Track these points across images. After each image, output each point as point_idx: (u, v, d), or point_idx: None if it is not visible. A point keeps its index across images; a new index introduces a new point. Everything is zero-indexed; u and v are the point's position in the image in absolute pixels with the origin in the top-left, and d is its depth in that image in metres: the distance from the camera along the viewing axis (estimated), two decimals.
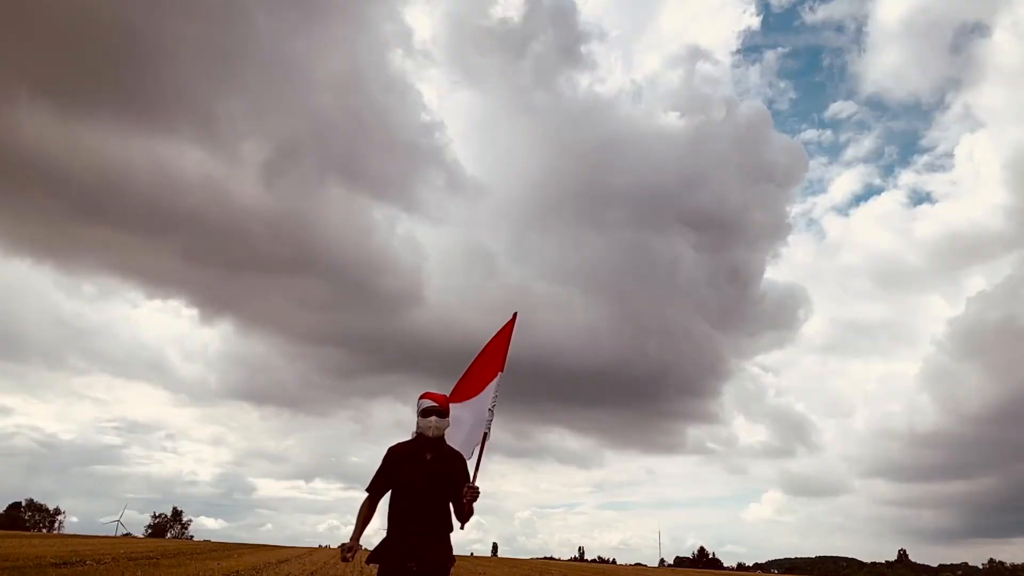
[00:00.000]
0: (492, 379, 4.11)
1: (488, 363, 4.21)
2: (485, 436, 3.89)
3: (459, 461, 3.67)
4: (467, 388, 4.27)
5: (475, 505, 3.55)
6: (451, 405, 3.79)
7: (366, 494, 3.61)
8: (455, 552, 3.52)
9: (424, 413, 3.55)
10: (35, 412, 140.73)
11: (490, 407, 4.00)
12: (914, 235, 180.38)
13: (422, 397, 3.62)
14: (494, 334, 4.35)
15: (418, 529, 3.38)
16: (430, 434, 3.52)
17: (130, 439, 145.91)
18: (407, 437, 3.67)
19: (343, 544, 3.47)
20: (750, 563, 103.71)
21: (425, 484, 3.44)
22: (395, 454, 3.59)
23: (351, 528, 3.55)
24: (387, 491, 3.56)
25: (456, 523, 3.57)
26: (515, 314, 4.26)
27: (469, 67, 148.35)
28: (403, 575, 3.31)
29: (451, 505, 3.53)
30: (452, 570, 3.43)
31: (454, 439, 3.82)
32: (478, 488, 3.55)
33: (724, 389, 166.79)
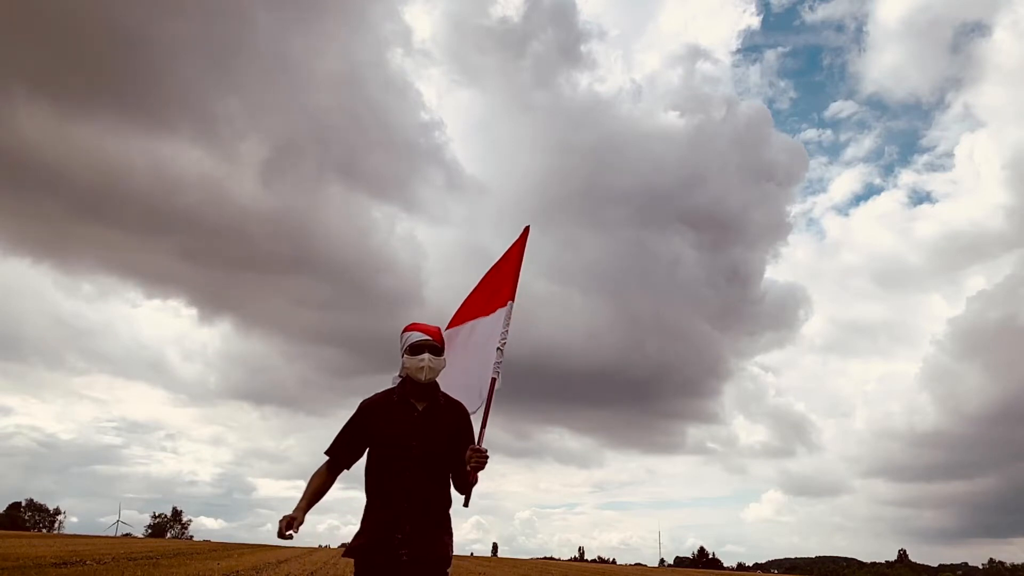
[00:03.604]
0: (500, 309, 3.16)
1: (495, 289, 3.29)
2: (493, 382, 2.95)
3: (462, 413, 2.79)
4: (467, 318, 3.36)
5: (473, 503, 2.74)
6: (446, 333, 3.01)
7: (325, 459, 2.74)
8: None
9: (413, 349, 2.67)
10: (35, 412, 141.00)
11: (498, 346, 3.03)
12: (914, 235, 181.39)
13: (407, 329, 2.76)
14: (502, 254, 3.39)
15: (409, 505, 2.55)
16: (422, 378, 2.65)
17: (130, 439, 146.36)
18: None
19: (283, 517, 2.52)
20: (750, 563, 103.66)
21: (418, 444, 2.59)
22: (372, 407, 2.71)
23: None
24: (355, 458, 2.72)
25: (457, 497, 2.75)
26: (527, 228, 3.32)
27: (469, 66, 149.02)
28: (391, 565, 2.50)
29: (450, 474, 2.71)
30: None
31: (450, 385, 2.92)
32: (486, 451, 2.63)
33: (724, 389, 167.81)
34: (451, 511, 2.72)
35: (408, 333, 2.74)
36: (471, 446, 2.67)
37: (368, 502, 2.64)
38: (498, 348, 3.05)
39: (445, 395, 2.79)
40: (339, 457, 2.71)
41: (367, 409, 2.72)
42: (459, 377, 3.09)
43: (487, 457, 2.63)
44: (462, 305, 3.42)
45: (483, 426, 2.85)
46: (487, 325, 3.20)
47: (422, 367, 2.65)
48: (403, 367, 2.73)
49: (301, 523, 2.56)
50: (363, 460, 2.73)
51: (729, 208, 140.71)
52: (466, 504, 2.73)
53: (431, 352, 2.68)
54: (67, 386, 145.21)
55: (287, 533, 2.51)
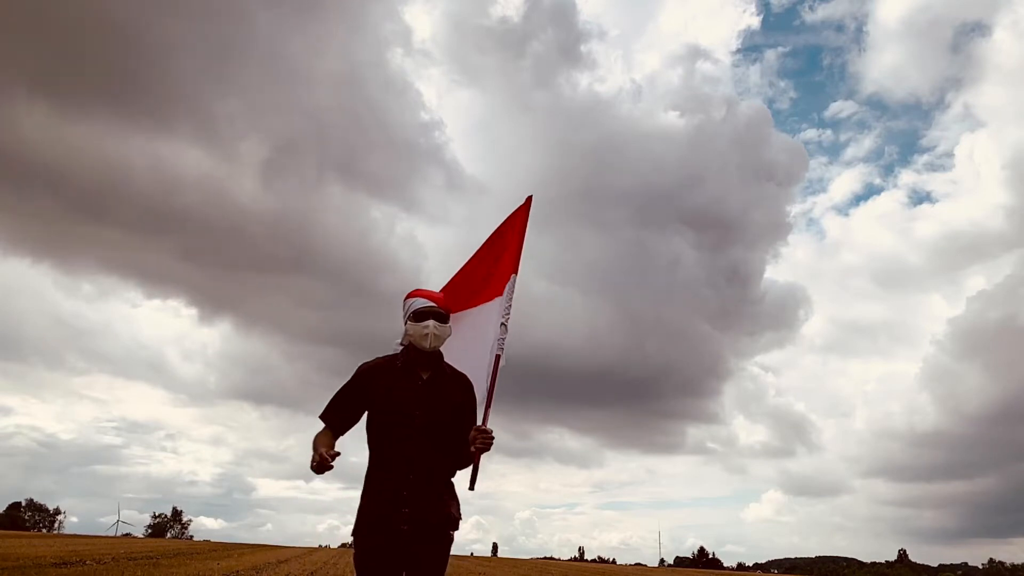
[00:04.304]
0: (503, 283, 3.04)
1: (496, 262, 3.17)
2: (497, 360, 2.84)
3: (467, 386, 2.68)
4: (466, 293, 3.19)
5: (474, 502, 2.71)
6: (455, 316, 2.91)
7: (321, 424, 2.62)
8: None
9: (417, 316, 2.57)
10: (35, 412, 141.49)
11: (502, 321, 2.93)
12: (914, 235, 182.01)
13: (411, 296, 2.66)
14: (500, 223, 3.25)
15: (412, 474, 2.43)
16: (427, 345, 2.55)
17: (130, 439, 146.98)
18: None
19: (316, 453, 2.37)
20: (750, 563, 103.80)
21: (422, 413, 2.48)
22: (373, 371, 2.60)
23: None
24: (350, 424, 2.61)
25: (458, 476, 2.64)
26: (529, 198, 3.19)
27: (469, 66, 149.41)
28: (393, 541, 2.39)
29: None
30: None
31: (464, 369, 2.80)
32: (491, 432, 2.54)
33: (724, 389, 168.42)
34: (453, 477, 2.64)
35: (412, 299, 2.64)
36: (476, 426, 2.58)
37: (369, 471, 2.54)
38: (502, 324, 2.94)
39: (450, 366, 2.70)
40: (333, 422, 2.60)
41: (367, 373, 2.61)
42: (474, 360, 2.95)
43: (492, 438, 2.54)
44: (460, 279, 3.25)
45: (487, 406, 2.75)
46: (499, 305, 3.06)
47: (427, 334, 2.55)
48: (406, 334, 2.63)
49: (334, 456, 2.39)
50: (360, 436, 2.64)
51: (729, 208, 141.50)
52: (472, 487, 2.61)
53: (436, 319, 2.57)
54: (67, 386, 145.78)
55: (330, 464, 2.35)
